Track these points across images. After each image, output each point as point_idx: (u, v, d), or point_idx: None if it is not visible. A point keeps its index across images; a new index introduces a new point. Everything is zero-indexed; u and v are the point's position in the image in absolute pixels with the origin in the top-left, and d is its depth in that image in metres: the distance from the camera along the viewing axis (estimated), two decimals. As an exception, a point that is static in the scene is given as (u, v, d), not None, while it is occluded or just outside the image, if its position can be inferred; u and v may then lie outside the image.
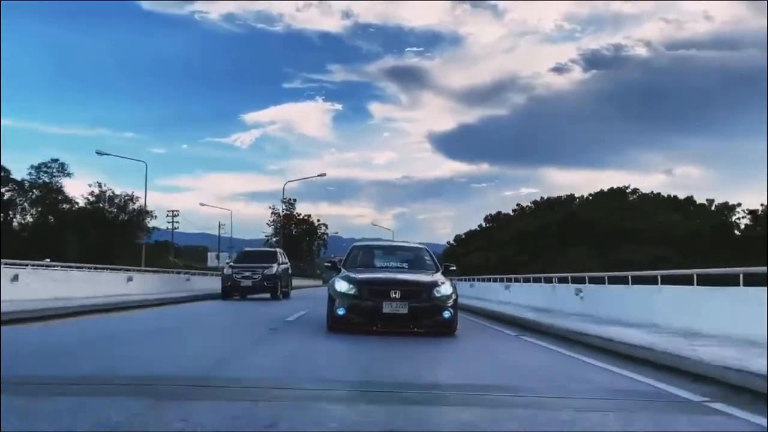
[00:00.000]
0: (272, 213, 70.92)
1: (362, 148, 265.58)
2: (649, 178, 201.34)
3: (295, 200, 77.76)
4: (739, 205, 65.24)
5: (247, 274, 18.76)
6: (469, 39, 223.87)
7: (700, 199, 68.49)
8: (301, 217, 79.03)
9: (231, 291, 18.84)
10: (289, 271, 21.92)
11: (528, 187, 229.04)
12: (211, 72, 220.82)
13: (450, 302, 8.25)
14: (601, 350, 6.65)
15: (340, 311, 8.14)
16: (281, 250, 22.76)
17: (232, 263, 20.47)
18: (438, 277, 8.79)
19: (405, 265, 9.78)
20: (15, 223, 53.53)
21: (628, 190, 71.38)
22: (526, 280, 17.41)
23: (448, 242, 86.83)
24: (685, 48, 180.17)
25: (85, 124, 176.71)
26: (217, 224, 70.84)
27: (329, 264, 10.45)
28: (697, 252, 50.27)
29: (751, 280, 7.58)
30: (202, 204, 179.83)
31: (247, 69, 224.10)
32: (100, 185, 54.91)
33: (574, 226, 60.38)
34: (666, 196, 70.42)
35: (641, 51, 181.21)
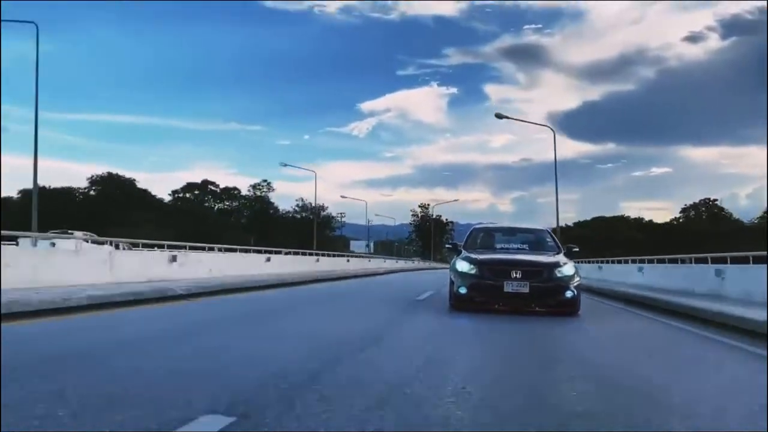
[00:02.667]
0: (412, 215, 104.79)
1: (478, 131, 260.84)
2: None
3: (428, 205, 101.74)
4: None
5: None
6: (591, 12, 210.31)
7: None
8: (433, 217, 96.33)
9: None
10: None
11: (659, 167, 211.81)
12: (330, 63, 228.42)
13: (573, 282, 8.25)
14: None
15: (462, 290, 8.43)
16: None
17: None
18: (560, 257, 8.80)
19: (525, 246, 9.85)
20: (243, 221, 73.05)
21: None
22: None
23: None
24: None
25: (218, 119, 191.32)
26: (344, 211, 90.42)
27: (450, 246, 10.74)
28: None
29: None
30: (342, 197, 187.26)
31: (363, 59, 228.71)
32: (303, 200, 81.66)
33: None
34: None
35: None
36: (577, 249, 10.02)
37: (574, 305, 8.27)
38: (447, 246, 11.62)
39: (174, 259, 13.52)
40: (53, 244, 14.95)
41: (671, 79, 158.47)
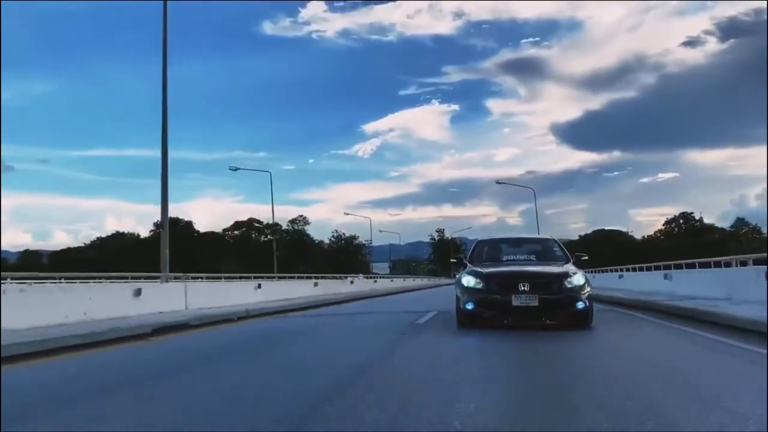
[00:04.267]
0: (431, 238, 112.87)
1: (482, 146, 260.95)
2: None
3: (443, 230, 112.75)
4: None
5: None
6: (588, 22, 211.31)
7: None
8: (447, 238, 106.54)
9: None
10: None
11: (666, 172, 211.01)
12: (331, 87, 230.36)
13: (584, 293, 7.88)
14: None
15: (469, 306, 8.08)
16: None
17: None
18: (569, 267, 8.45)
19: (533, 257, 9.52)
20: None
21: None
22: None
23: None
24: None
25: (224, 148, 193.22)
26: (353, 233, 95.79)
27: (455, 260, 10.43)
28: None
29: None
30: (346, 213, 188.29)
31: (364, 81, 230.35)
32: (337, 231, 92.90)
33: None
34: None
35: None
36: (586, 257, 9.68)
37: (586, 317, 7.91)
38: (452, 260, 11.31)
39: (259, 286, 16.56)
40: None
41: (672, 84, 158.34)
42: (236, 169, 40.00)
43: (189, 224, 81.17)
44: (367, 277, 36.50)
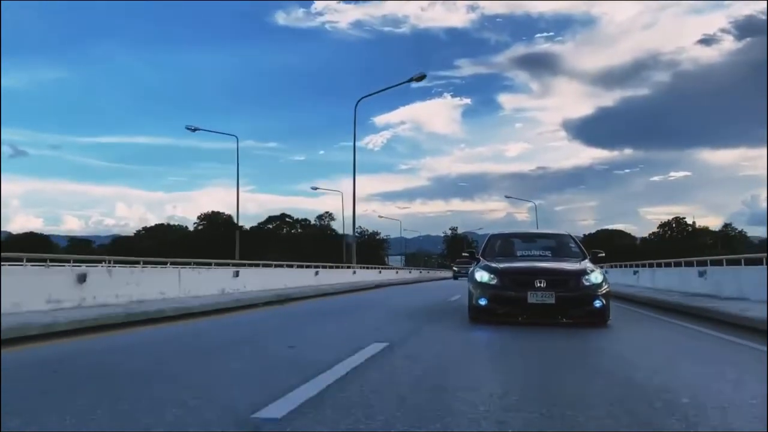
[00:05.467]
0: (444, 235, 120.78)
1: (493, 141, 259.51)
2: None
3: (457, 228, 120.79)
4: None
5: (463, 271, 30.76)
6: (603, 18, 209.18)
7: None
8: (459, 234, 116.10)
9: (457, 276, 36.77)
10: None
11: (678, 171, 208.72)
12: (343, 78, 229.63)
13: (601, 291, 7.64)
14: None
15: (482, 301, 7.87)
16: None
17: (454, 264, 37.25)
18: (586, 264, 8.21)
19: (548, 253, 9.28)
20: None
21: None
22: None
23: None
24: None
25: (233, 138, 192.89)
26: (361, 223, 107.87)
27: (467, 254, 10.20)
28: None
29: None
30: (378, 212, 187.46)
31: (376, 72, 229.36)
32: (360, 227, 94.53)
33: None
34: None
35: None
36: (603, 254, 9.41)
37: (603, 315, 7.66)
38: (464, 254, 11.08)
39: (317, 273, 21.13)
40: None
41: (686, 82, 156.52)
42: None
43: (229, 217, 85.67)
44: (368, 269, 35.84)
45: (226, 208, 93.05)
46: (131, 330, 7.06)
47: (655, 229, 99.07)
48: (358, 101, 29.32)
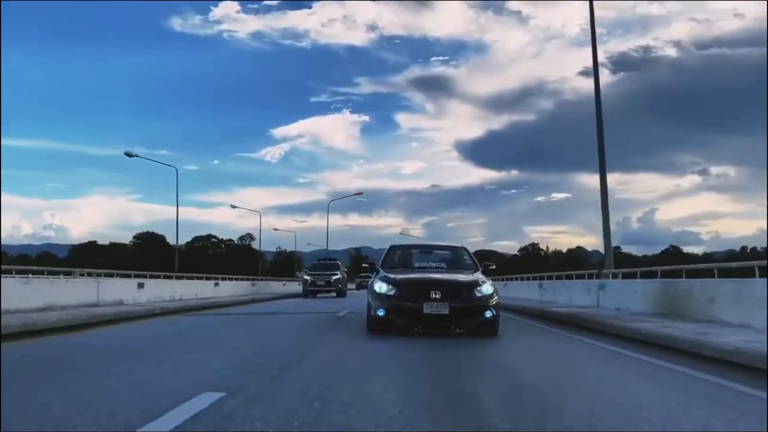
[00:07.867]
0: (351, 249, 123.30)
1: (390, 158, 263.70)
2: (683, 180, 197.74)
3: (360, 248, 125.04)
4: None
5: (320, 282, 26.68)
6: (494, 46, 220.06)
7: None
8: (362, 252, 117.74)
9: (309, 292, 26.63)
10: (345, 277, 29.33)
11: (559, 192, 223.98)
12: (240, 89, 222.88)
13: (492, 302, 8.01)
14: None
15: (380, 312, 7.98)
16: (340, 261, 31.14)
17: (308, 271, 28.84)
18: (478, 276, 8.56)
19: (443, 264, 9.58)
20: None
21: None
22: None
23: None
24: (716, 46, 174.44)
25: (122, 143, 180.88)
26: (258, 237, 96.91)
27: (367, 265, 10.32)
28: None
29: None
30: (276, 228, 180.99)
31: (275, 85, 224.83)
32: (280, 247, 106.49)
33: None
34: None
35: (671, 51, 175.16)
36: (494, 267, 9.93)
37: (493, 325, 8.02)
38: (364, 265, 11.21)
39: (217, 284, 22.93)
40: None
41: (568, 110, 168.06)
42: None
43: (162, 238, 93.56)
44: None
45: (109, 218, 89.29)
46: None
47: (517, 252, 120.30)
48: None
